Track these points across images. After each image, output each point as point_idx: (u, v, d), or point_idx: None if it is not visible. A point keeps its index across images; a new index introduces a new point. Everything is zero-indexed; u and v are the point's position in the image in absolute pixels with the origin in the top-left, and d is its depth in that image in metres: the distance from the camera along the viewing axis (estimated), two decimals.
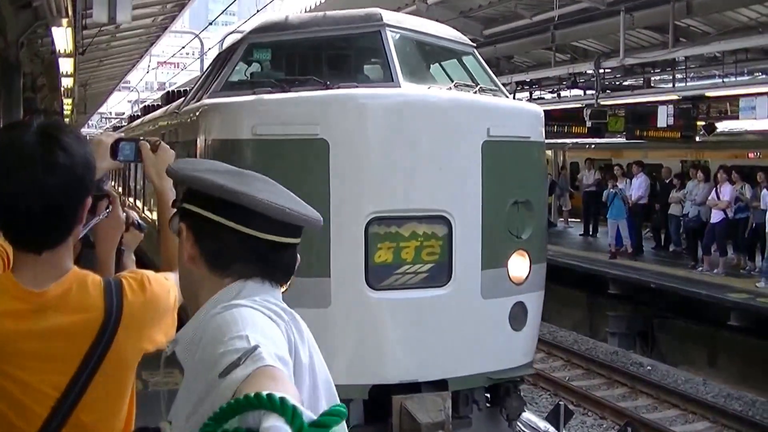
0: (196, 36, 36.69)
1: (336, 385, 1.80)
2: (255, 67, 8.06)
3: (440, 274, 6.94)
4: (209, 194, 1.77)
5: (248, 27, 8.87)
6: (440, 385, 6.91)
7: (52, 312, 1.99)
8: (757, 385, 13.79)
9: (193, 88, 9.34)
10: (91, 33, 16.45)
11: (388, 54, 7.15)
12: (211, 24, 34.45)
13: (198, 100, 7.93)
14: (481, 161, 6.97)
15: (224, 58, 8.15)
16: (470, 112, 7.02)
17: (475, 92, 7.42)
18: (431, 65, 8.28)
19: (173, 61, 56.48)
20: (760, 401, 12.78)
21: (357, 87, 7.02)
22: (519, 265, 7.33)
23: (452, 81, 7.64)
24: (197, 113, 7.35)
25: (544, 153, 7.62)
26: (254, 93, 7.06)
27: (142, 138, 2.68)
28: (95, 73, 28.95)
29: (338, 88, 6.97)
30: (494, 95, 7.72)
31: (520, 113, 7.43)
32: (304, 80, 7.23)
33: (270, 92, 7.04)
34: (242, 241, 1.77)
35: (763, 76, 21.80)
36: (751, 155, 22.70)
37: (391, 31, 7.34)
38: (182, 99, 10.00)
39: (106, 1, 10.49)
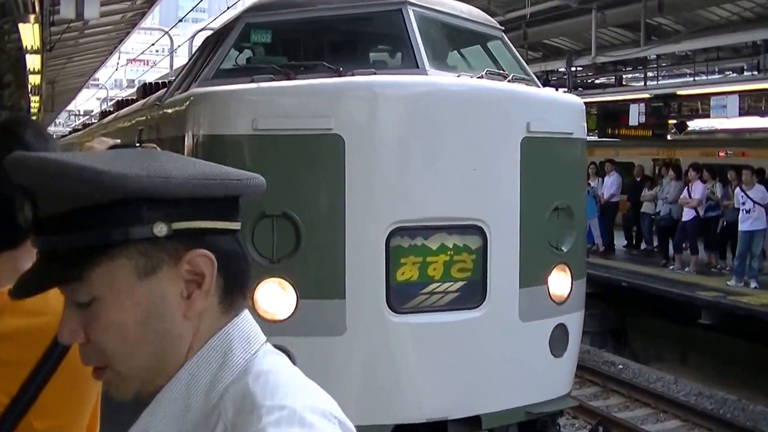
0: (166, 33, 36.03)
1: None
2: (252, 50, 6.94)
3: (473, 293, 5.93)
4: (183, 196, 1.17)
5: (244, 4, 7.76)
6: (472, 422, 5.92)
7: (7, 315, 1.90)
8: (729, 384, 13.52)
9: (177, 77, 8.20)
10: (59, 29, 15.97)
11: (412, 36, 6.10)
12: (181, 21, 34.57)
13: (184, 90, 6.84)
14: (519, 161, 5.96)
15: (216, 41, 7.03)
16: (509, 103, 6.00)
17: (509, 81, 6.40)
18: (454, 50, 7.23)
19: (143, 58, 55.28)
20: (731, 399, 12.42)
21: (376, 74, 5.97)
22: (560, 281, 6.33)
23: (472, 68, 6.62)
24: (185, 104, 6.25)
25: (585, 152, 6.63)
26: (253, 81, 6.00)
27: (138, 144, 1.90)
28: (63, 70, 28.34)
29: (353, 75, 5.93)
30: (527, 85, 6.71)
31: (563, 106, 6.42)
32: (313, 66, 6.15)
33: (272, 80, 5.98)
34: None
35: (734, 75, 21.95)
36: (722, 154, 22.43)
37: (413, 9, 6.28)
38: (164, 90, 8.86)
39: None
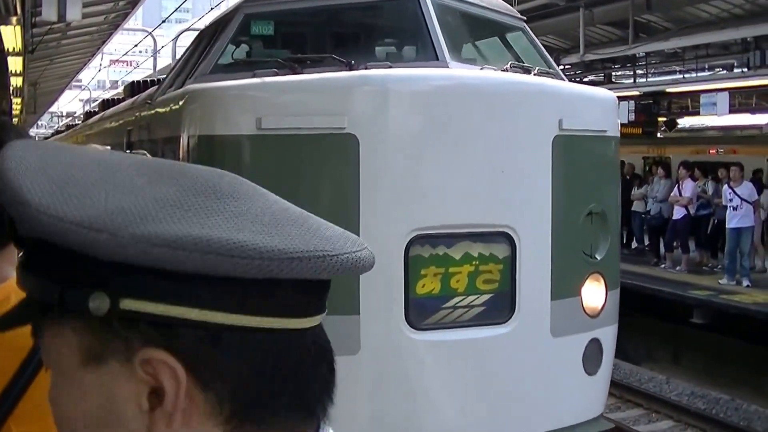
0: (149, 34, 35.68)
1: None
2: (253, 44, 6.34)
3: (500, 307, 5.38)
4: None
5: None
6: None
7: None
8: (722, 383, 13.17)
9: (169, 74, 7.59)
10: (41, 31, 15.62)
11: (430, 25, 5.53)
12: (164, 21, 33.72)
13: (178, 87, 6.25)
14: (551, 161, 5.42)
15: (212, 33, 6.44)
16: (540, 99, 5.45)
17: (534, 75, 5.85)
18: (474, 42, 6.66)
19: (126, 59, 54.70)
20: (724, 399, 12.12)
21: (391, 67, 5.41)
22: (594, 292, 5.79)
23: (493, 61, 6.07)
24: (180, 102, 5.67)
25: (618, 151, 6.10)
26: (255, 76, 5.44)
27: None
28: (45, 72, 27.88)
29: (366, 68, 5.37)
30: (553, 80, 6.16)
31: (596, 101, 5.86)
32: (320, 59, 5.59)
33: (276, 74, 5.42)
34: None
35: (724, 72, 21.84)
36: (712, 151, 22.11)
37: None
38: (155, 88, 8.25)
39: None
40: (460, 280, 5.28)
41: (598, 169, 5.81)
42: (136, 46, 39.35)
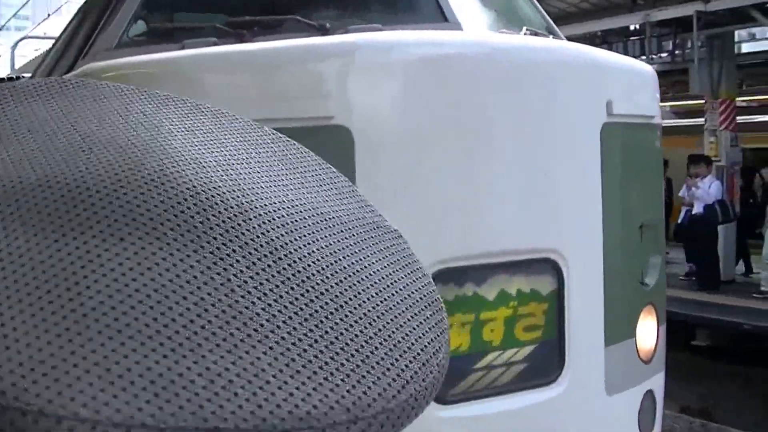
0: None
1: None
2: (177, 4, 4.55)
3: (546, 361, 3.89)
4: None
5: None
6: None
7: None
8: None
9: (42, 63, 5.61)
10: None
11: None
12: (1, 29, 32.11)
13: (64, 71, 4.41)
14: (600, 158, 3.98)
15: (106, 1, 4.60)
16: (588, 73, 3.97)
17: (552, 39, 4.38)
18: None
19: None
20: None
21: (383, 30, 3.80)
22: (648, 330, 4.38)
23: (498, 23, 4.56)
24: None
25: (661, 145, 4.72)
26: (185, 47, 3.73)
27: None
28: None
29: (346, 32, 3.76)
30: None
31: (645, 76, 4.41)
32: (279, 22, 3.93)
33: (216, 45, 3.73)
34: None
35: None
36: None
37: None
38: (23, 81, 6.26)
39: None
40: (495, 329, 3.75)
41: (649, 167, 4.41)
42: None
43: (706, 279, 16.80)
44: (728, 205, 17.30)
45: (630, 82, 4.22)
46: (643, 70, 4.42)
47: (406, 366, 0.55)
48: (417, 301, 0.64)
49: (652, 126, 4.42)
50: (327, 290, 0.57)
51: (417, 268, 0.64)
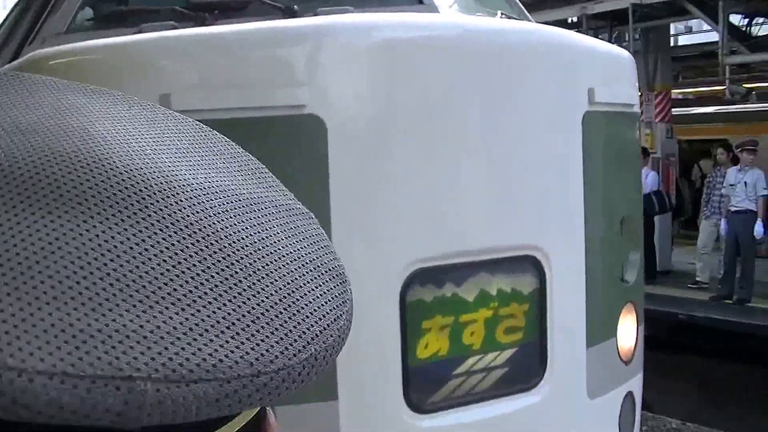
0: None
1: None
2: None
3: (528, 365, 3.68)
4: None
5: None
6: None
7: None
8: None
9: None
10: None
11: None
12: None
13: (14, 58, 4.05)
14: (581, 148, 3.78)
15: None
16: (571, 57, 3.77)
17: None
18: None
19: None
20: None
21: (357, 12, 3.54)
22: (629, 330, 4.21)
23: (471, 4, 4.34)
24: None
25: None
26: (142, 31, 3.43)
27: None
28: None
29: (315, 15, 3.50)
30: None
31: (625, 62, 4.23)
32: (243, 4, 3.65)
33: (175, 28, 3.44)
34: None
35: None
36: None
37: None
38: None
39: None
40: (475, 331, 3.53)
41: (629, 158, 4.24)
42: None
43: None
44: (664, 195, 17.48)
45: (611, 69, 4.03)
46: (623, 55, 4.24)
47: (308, 329, 0.67)
48: (322, 274, 0.75)
49: (632, 115, 4.25)
50: (237, 261, 0.68)
51: (324, 245, 0.79)
